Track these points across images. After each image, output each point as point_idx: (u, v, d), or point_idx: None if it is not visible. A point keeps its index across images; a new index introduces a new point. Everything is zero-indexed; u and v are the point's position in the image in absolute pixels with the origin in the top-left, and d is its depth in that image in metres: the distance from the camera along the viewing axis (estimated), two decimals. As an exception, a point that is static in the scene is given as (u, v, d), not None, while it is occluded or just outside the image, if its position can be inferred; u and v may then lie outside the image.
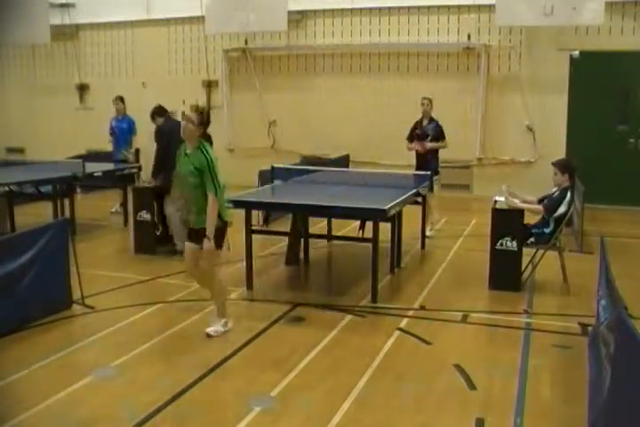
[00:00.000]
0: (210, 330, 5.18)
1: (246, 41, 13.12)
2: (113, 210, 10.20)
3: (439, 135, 8.59)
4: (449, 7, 11.77)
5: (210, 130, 5.13)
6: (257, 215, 7.32)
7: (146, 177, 9.53)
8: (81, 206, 9.44)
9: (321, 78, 12.82)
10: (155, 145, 7.88)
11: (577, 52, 11.15)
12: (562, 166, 6.46)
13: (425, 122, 8.69)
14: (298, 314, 5.69)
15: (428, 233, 8.43)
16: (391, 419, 3.88)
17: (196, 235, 5.02)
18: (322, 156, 12.26)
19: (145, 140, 11.67)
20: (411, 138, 8.78)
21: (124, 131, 10.26)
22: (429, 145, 8.56)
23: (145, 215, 7.71)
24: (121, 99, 10.36)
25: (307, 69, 12.95)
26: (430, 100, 8.68)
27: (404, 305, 5.94)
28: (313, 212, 6.70)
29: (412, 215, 8.56)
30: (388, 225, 6.75)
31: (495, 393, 4.20)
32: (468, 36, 11.68)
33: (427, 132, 8.60)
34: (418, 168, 8.65)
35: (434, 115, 8.74)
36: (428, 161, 8.55)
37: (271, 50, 13.01)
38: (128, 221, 9.12)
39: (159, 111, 8.10)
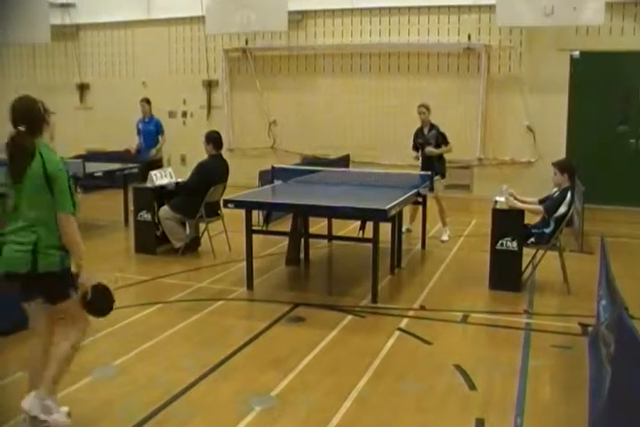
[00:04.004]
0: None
1: (246, 41, 13.13)
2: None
3: (442, 141, 8.47)
4: (449, 7, 11.77)
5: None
6: (257, 215, 7.32)
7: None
8: (81, 206, 9.41)
9: (321, 78, 12.83)
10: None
11: (577, 52, 11.16)
12: (561, 166, 6.46)
13: (425, 130, 8.56)
14: (298, 314, 5.68)
15: (443, 238, 8.51)
16: (391, 419, 3.88)
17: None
18: (322, 156, 12.27)
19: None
20: (415, 147, 8.70)
21: (151, 132, 10.38)
22: (435, 152, 8.41)
23: (145, 215, 7.72)
24: (147, 101, 10.41)
25: (307, 69, 12.95)
26: (427, 108, 8.51)
27: (404, 305, 5.94)
28: (313, 212, 6.70)
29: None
30: (389, 225, 6.76)
31: (495, 393, 4.20)
32: (469, 37, 11.68)
33: (429, 141, 8.47)
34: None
35: (433, 120, 8.58)
36: (432, 165, 8.41)
37: (271, 50, 13.02)
38: (128, 221, 9.13)
39: (216, 142, 7.69)
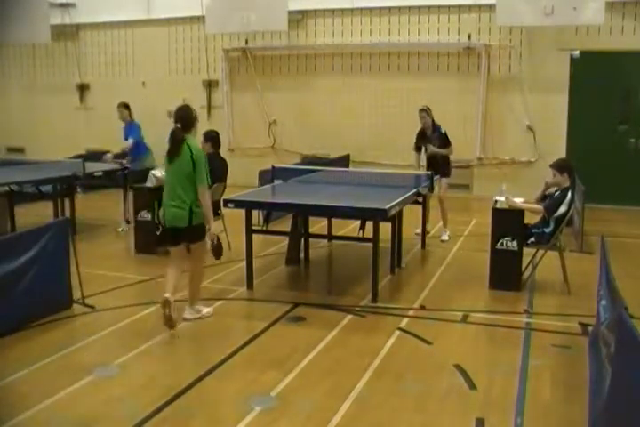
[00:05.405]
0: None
1: (246, 41, 13.12)
2: (120, 229, 9.05)
3: (444, 143, 8.39)
4: (449, 7, 11.76)
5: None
6: (257, 215, 7.32)
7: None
8: (81, 206, 9.44)
9: (321, 78, 12.82)
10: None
11: (577, 52, 11.16)
12: (559, 166, 6.47)
13: (428, 132, 8.45)
14: (298, 314, 5.69)
15: (443, 238, 8.51)
16: (391, 419, 3.88)
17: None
18: (322, 155, 12.28)
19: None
20: (417, 148, 8.62)
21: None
22: (436, 150, 8.34)
23: (145, 215, 7.71)
24: (125, 106, 9.79)
25: (307, 69, 12.95)
26: (427, 112, 8.38)
27: (404, 305, 5.94)
28: (313, 212, 6.70)
29: (412, 215, 8.58)
30: (389, 225, 6.76)
31: (495, 393, 4.21)
32: (469, 36, 11.67)
33: (432, 142, 8.39)
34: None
35: (435, 118, 8.50)
36: (437, 166, 8.34)
37: (271, 50, 13.01)
38: (129, 221, 9.12)
39: (214, 141, 7.65)
